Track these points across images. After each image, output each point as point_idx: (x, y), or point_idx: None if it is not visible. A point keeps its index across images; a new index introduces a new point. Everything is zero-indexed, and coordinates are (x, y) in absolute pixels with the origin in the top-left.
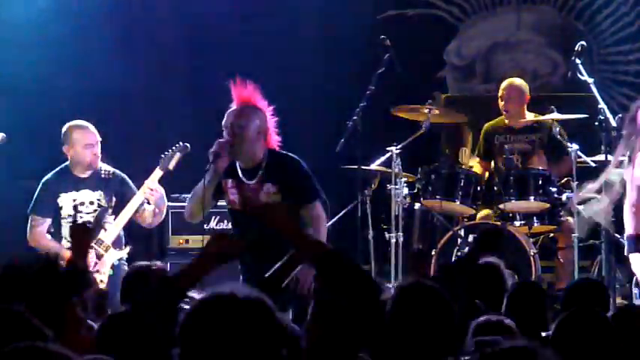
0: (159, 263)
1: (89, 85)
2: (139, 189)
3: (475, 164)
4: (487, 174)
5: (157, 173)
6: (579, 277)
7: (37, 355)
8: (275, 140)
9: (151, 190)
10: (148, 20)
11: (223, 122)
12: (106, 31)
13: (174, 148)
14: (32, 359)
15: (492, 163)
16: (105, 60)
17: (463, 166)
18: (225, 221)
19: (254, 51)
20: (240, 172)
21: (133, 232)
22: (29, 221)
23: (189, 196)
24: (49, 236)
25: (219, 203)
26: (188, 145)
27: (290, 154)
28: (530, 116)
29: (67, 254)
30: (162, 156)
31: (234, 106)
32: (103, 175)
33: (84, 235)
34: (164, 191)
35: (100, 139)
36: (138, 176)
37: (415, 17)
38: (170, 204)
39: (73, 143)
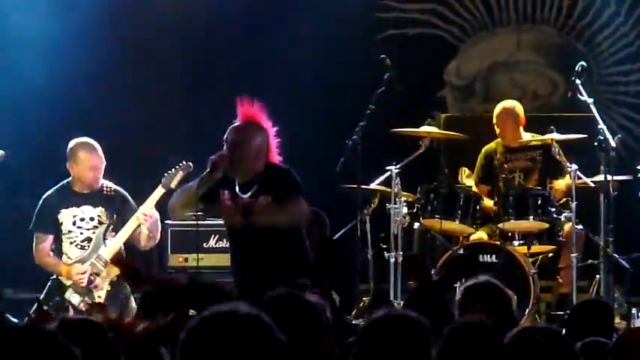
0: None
1: (88, 101)
2: (140, 206)
3: (472, 187)
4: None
5: (159, 191)
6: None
7: None
8: (277, 160)
9: (145, 216)
10: (149, 34)
11: (224, 136)
12: (105, 48)
13: (177, 166)
14: None
15: (490, 185)
16: (104, 76)
17: (462, 186)
18: (224, 240)
19: (253, 71)
20: (237, 187)
21: (132, 249)
22: (34, 238)
23: (177, 191)
24: (51, 253)
25: (216, 221)
26: (191, 164)
27: (284, 166)
28: (527, 136)
29: (64, 270)
30: (165, 174)
31: (237, 122)
32: (104, 192)
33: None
34: (159, 215)
35: (104, 160)
36: (140, 193)
37: (415, 37)
38: (169, 222)
39: (78, 162)
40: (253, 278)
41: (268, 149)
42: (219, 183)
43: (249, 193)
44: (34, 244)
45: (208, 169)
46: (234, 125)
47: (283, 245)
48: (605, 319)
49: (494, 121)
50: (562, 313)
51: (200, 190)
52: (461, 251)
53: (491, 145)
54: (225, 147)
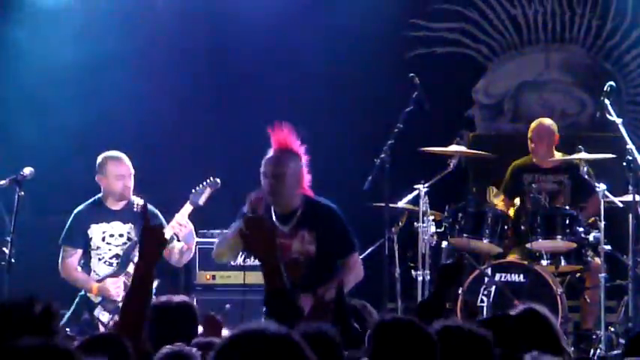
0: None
1: (117, 118)
2: (169, 224)
3: (499, 202)
4: (512, 212)
5: (187, 208)
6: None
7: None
8: (307, 179)
9: (180, 225)
10: (176, 53)
11: (262, 169)
12: (135, 64)
13: (204, 183)
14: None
15: (518, 201)
16: (134, 93)
17: (490, 205)
18: (252, 258)
19: (284, 90)
20: (274, 217)
21: (160, 266)
22: (61, 252)
23: (219, 237)
24: (79, 268)
25: None
26: (219, 180)
27: (327, 202)
28: (558, 156)
29: (95, 286)
30: (193, 191)
31: (271, 152)
32: (135, 209)
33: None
34: (193, 227)
35: (132, 171)
36: (168, 210)
37: (444, 56)
38: (198, 239)
39: (107, 174)
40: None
41: (302, 172)
42: None
43: (288, 227)
44: (60, 258)
45: (248, 212)
46: (271, 157)
47: (318, 278)
48: None
49: (530, 135)
50: (590, 332)
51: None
52: (488, 271)
53: (521, 161)
54: (264, 180)
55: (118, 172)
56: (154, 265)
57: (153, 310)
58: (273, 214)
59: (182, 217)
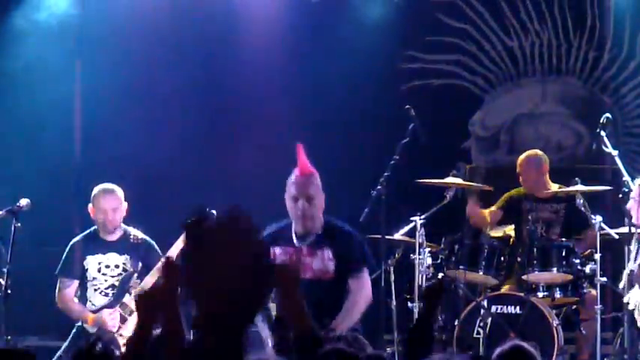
0: None
1: (113, 148)
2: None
3: (487, 212)
4: (510, 242)
5: (181, 241)
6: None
7: None
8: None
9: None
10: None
11: (293, 192)
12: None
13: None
14: None
15: (514, 232)
16: (130, 123)
17: (487, 236)
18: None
19: (281, 121)
20: (294, 236)
21: None
22: (57, 283)
23: None
24: (75, 299)
25: None
26: (214, 212)
27: (346, 225)
28: (554, 187)
29: (90, 317)
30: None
31: (297, 174)
32: (131, 240)
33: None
34: None
35: (123, 204)
36: (164, 240)
37: (440, 87)
38: None
39: (97, 205)
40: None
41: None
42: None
43: (306, 244)
44: (57, 289)
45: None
46: (302, 179)
47: (337, 299)
48: None
49: (518, 169)
50: None
51: None
52: (484, 303)
53: (521, 190)
54: (293, 203)
55: (108, 205)
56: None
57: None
58: (293, 233)
59: (172, 254)
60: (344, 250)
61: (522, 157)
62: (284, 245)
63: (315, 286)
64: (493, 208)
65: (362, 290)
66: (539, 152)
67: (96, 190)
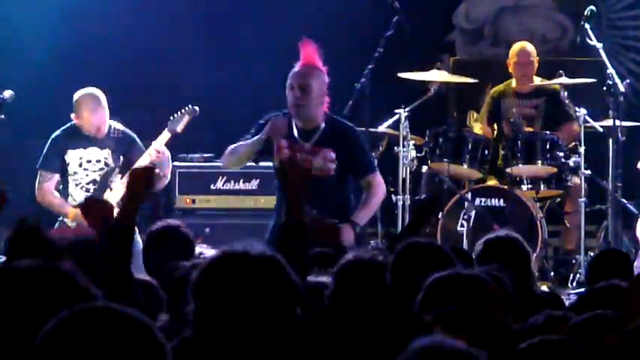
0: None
1: (99, 45)
2: (147, 149)
3: (477, 128)
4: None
5: (165, 135)
6: (604, 249)
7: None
8: (326, 100)
9: (158, 152)
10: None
11: (289, 81)
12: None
13: (182, 110)
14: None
15: (496, 127)
16: (116, 17)
17: (471, 130)
18: (232, 182)
19: (264, 16)
20: (296, 133)
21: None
22: (37, 176)
23: (231, 147)
24: (56, 193)
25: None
26: (197, 108)
27: (349, 123)
28: (537, 81)
29: (72, 212)
30: (171, 118)
31: (298, 66)
32: (112, 134)
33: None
34: (170, 154)
35: (107, 111)
36: (146, 137)
37: None
38: (177, 164)
39: (82, 117)
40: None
41: (326, 90)
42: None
43: (310, 143)
44: (37, 182)
45: (265, 136)
46: (299, 69)
47: (336, 195)
48: (626, 268)
49: (512, 59)
50: (570, 256)
51: (255, 149)
52: (468, 195)
53: (501, 87)
54: (289, 92)
55: (95, 119)
56: (139, 204)
57: (147, 237)
58: (295, 129)
59: (159, 145)
60: (348, 149)
61: (517, 47)
62: (286, 138)
63: (315, 182)
64: (479, 122)
65: (378, 187)
66: (532, 47)
67: (80, 98)
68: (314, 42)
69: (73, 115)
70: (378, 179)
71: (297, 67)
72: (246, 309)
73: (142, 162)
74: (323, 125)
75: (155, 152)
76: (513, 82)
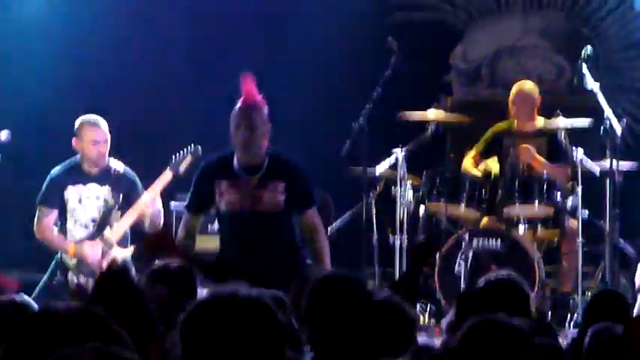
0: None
1: (97, 81)
2: (147, 189)
3: (469, 158)
4: (480, 172)
5: (167, 175)
6: (601, 289)
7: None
8: (268, 131)
9: (147, 203)
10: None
11: (235, 120)
12: (111, 26)
13: (185, 150)
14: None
15: (494, 164)
16: (114, 58)
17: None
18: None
19: (261, 52)
20: (237, 169)
21: (139, 231)
22: (37, 212)
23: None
24: (55, 229)
25: None
26: (200, 147)
27: (292, 157)
28: (539, 120)
29: (71, 247)
30: (173, 157)
31: (241, 103)
32: (112, 172)
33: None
34: (161, 205)
35: (108, 136)
36: (147, 175)
37: (422, 21)
38: (175, 203)
39: (82, 137)
40: (257, 262)
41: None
42: (210, 178)
43: (256, 177)
44: (36, 218)
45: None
46: (245, 107)
47: (286, 231)
48: (623, 309)
49: (511, 99)
50: (567, 297)
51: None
52: (465, 237)
53: (504, 124)
54: (236, 131)
55: (94, 137)
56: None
57: (151, 274)
58: (238, 165)
59: (153, 192)
60: (296, 183)
61: (517, 86)
62: (229, 179)
63: (266, 218)
64: (474, 152)
65: (319, 226)
66: (534, 85)
67: (81, 122)
68: (251, 75)
69: (74, 140)
70: (315, 218)
71: (240, 104)
72: (234, 352)
73: (135, 210)
74: (267, 159)
75: (144, 204)
76: (515, 122)
